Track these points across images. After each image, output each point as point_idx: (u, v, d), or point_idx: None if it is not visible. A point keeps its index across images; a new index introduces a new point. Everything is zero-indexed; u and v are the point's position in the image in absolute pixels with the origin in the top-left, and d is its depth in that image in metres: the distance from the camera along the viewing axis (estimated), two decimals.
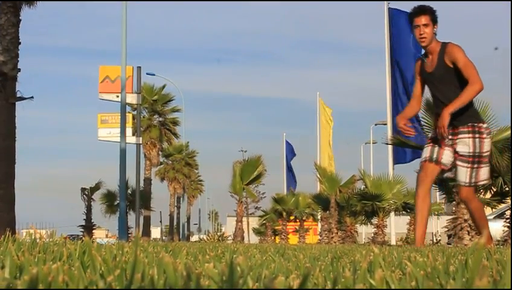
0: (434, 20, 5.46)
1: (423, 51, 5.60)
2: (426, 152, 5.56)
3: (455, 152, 5.41)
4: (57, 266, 1.51)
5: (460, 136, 5.34)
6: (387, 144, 15.65)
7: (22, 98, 18.69)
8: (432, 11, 5.45)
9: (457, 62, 5.28)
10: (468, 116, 5.34)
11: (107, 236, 40.77)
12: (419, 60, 5.63)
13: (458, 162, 5.38)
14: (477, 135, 5.30)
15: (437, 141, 5.50)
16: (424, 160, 5.57)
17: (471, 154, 5.31)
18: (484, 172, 5.38)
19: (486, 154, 5.37)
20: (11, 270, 1.46)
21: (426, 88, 5.71)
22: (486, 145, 5.35)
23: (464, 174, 5.35)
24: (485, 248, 4.86)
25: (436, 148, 5.49)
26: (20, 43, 18.41)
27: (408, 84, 16.77)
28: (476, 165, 5.32)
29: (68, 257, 2.03)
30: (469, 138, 5.31)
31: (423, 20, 5.39)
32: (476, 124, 5.35)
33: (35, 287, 0.92)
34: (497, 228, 16.20)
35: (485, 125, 5.47)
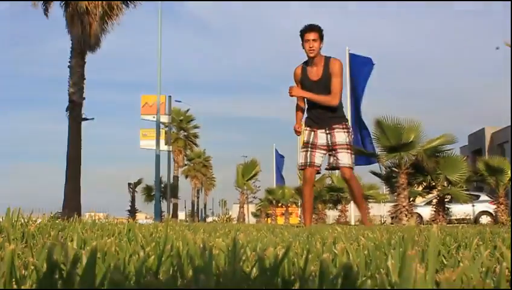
0: (321, 37, 4.96)
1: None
2: (302, 159, 5.10)
3: (333, 145, 4.95)
4: (111, 240, 1.51)
5: (337, 130, 4.95)
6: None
7: (85, 119, 18.70)
8: (320, 29, 4.98)
9: (333, 73, 4.90)
10: (342, 117, 5.02)
11: (146, 218, 40.58)
12: (300, 68, 5.05)
13: (340, 151, 4.94)
14: (349, 131, 5.01)
15: (308, 146, 5.06)
16: (302, 167, 5.11)
17: (348, 143, 4.97)
18: (352, 157, 5.03)
19: (351, 145, 5.06)
20: (78, 243, 1.46)
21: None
22: (351, 139, 5.07)
23: (347, 158, 4.95)
24: (368, 226, 4.69)
25: (309, 154, 5.04)
26: (85, 79, 18.44)
27: (359, 106, 16.80)
28: (351, 151, 5.01)
29: (118, 233, 2.02)
30: (344, 132, 4.96)
31: (312, 36, 4.90)
32: (346, 123, 5.05)
33: (94, 255, 0.92)
34: (426, 212, 16.19)
35: (349, 125, 5.17)
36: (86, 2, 17.61)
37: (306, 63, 5.06)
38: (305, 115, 5.23)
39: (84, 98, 18.48)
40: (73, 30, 17.92)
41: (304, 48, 4.95)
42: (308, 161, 5.05)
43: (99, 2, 17.88)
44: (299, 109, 5.16)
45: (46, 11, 18.31)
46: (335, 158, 5.00)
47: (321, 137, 5.05)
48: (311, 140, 5.07)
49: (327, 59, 4.99)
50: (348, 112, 17.59)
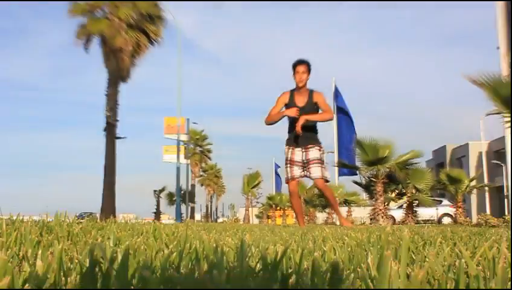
0: (309, 70, 4.98)
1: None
2: (285, 174, 5.09)
3: (307, 161, 4.92)
4: (140, 239, 1.50)
5: (311, 149, 4.95)
6: (334, 166, 15.77)
7: (119, 137, 18.77)
8: (309, 64, 4.98)
9: (319, 102, 4.94)
10: (316, 140, 5.01)
11: (168, 219, 40.39)
12: (288, 94, 5.01)
13: (312, 165, 4.90)
14: (321, 149, 5.00)
15: (287, 163, 5.03)
16: (286, 181, 5.10)
17: (320, 159, 4.95)
18: (324, 171, 4.99)
19: (323, 160, 5.05)
20: (113, 241, 1.46)
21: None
22: (323, 156, 5.08)
23: (318, 171, 4.90)
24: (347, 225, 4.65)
25: (289, 169, 5.03)
26: (118, 104, 18.58)
27: (343, 132, 16.82)
28: (322, 166, 4.96)
29: (146, 232, 2.01)
30: (317, 150, 4.96)
31: (302, 68, 4.92)
32: (320, 144, 5.04)
33: (128, 251, 0.92)
34: (398, 214, 16.05)
35: (322, 145, 5.14)
36: (120, 41, 17.88)
37: (292, 91, 5.06)
38: (287, 137, 5.15)
39: (118, 120, 18.59)
40: (109, 64, 18.20)
41: (294, 78, 4.99)
42: (289, 175, 5.06)
43: (130, 41, 18.14)
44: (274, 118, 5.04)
45: (86, 47, 18.57)
46: (308, 172, 4.98)
47: (297, 154, 5.05)
48: (289, 157, 5.08)
49: (311, 91, 5.03)
50: (334, 130, 17.68)
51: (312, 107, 4.95)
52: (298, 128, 4.82)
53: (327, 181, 5.07)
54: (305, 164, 5.00)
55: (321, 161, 5.00)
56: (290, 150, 5.08)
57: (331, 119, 5.01)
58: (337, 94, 17.34)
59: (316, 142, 5.04)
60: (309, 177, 4.98)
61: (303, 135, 4.94)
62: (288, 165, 5.06)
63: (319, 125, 5.13)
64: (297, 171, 5.02)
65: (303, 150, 5.01)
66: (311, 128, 5.03)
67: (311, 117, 4.89)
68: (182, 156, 26.70)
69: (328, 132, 18.15)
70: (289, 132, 5.11)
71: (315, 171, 4.93)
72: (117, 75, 18.30)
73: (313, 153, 4.97)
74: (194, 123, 39.41)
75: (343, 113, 16.87)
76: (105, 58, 18.41)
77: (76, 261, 0.90)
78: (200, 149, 47.26)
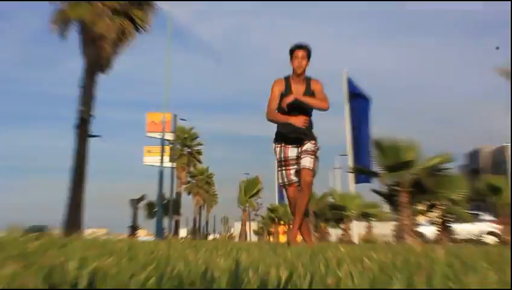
0: (309, 56, 5.06)
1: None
2: (279, 178, 5.08)
3: (301, 152, 4.99)
4: (111, 259, 1.48)
5: (307, 143, 4.99)
6: (349, 172, 15.78)
7: (93, 136, 18.82)
8: (309, 49, 5.06)
9: (316, 91, 5.04)
10: (312, 136, 5.04)
11: (147, 234, 40.37)
12: (282, 82, 5.09)
13: (304, 155, 4.95)
14: (316, 144, 5.05)
15: (281, 164, 5.06)
16: (283, 186, 5.09)
17: (314, 150, 4.99)
18: (316, 164, 5.01)
19: (316, 153, 5.04)
20: (78, 263, 1.43)
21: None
22: (316, 151, 5.05)
23: (308, 161, 4.91)
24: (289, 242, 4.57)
25: (285, 173, 5.05)
26: (94, 97, 18.66)
27: (359, 126, 16.81)
28: (315, 157, 4.98)
29: (119, 251, 1.99)
30: (312, 144, 4.99)
31: (301, 53, 5.00)
32: (315, 139, 5.09)
33: (95, 275, 0.89)
34: (429, 231, 16.06)
35: (318, 142, 5.16)
36: (102, 28, 18.16)
37: (287, 79, 5.13)
38: (276, 130, 5.21)
39: (92, 116, 18.76)
40: (87, 52, 18.48)
41: (292, 64, 5.06)
42: (286, 179, 5.03)
43: (113, 27, 18.42)
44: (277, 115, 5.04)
45: (62, 34, 18.85)
46: (299, 162, 4.98)
47: (292, 150, 5.07)
48: (282, 156, 5.08)
49: (308, 79, 5.11)
50: (346, 129, 17.69)
51: (310, 96, 5.02)
52: (288, 100, 4.85)
53: (314, 175, 5.07)
54: (298, 158, 5.02)
55: (314, 153, 5.05)
56: (282, 148, 5.10)
57: (325, 110, 5.05)
58: (352, 87, 17.36)
59: (312, 137, 5.11)
60: (298, 168, 4.97)
61: (297, 129, 4.97)
62: (284, 167, 5.06)
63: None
64: (293, 173, 5.01)
65: (297, 145, 5.05)
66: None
67: (305, 99, 4.94)
68: (166, 158, 26.73)
69: (339, 128, 18.16)
70: (282, 128, 5.11)
71: (305, 161, 4.94)
72: (96, 64, 18.52)
73: (308, 146, 5.03)
74: (182, 120, 39.40)
75: (360, 104, 16.85)
76: (83, 46, 18.69)
77: (31, 287, 0.88)
78: (189, 150, 47.33)
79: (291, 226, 5.14)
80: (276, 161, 5.20)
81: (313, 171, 4.98)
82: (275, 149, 5.20)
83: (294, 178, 5.00)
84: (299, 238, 5.22)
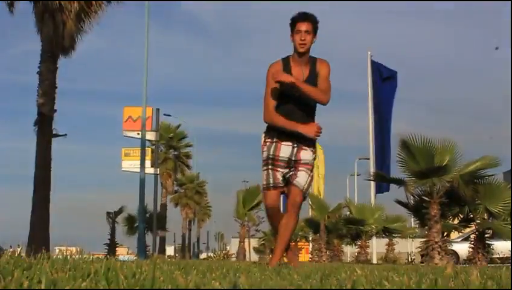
0: (315, 30, 4.80)
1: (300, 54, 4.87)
2: (264, 179, 4.92)
3: (297, 161, 4.83)
4: (86, 283, 1.51)
5: (304, 148, 4.83)
6: (369, 180, 15.69)
7: (57, 135, 18.76)
8: (315, 20, 4.80)
9: (321, 74, 4.82)
10: (311, 139, 4.85)
11: (127, 253, 40.41)
12: (280, 65, 4.87)
13: (301, 168, 4.80)
14: (314, 153, 4.91)
15: (268, 162, 4.86)
16: (265, 189, 4.92)
17: (312, 163, 4.86)
18: (310, 183, 4.91)
19: (313, 168, 4.96)
20: (46, 286, 1.46)
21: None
22: (313, 163, 4.94)
23: (304, 179, 4.79)
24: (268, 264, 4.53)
25: (271, 172, 4.85)
26: (56, 87, 18.48)
27: (383, 123, 16.79)
28: (310, 174, 4.87)
29: (95, 273, 2.01)
30: (311, 153, 4.85)
31: (305, 26, 4.71)
32: (315, 146, 4.95)
33: None
34: (463, 249, 16.08)
35: (315, 147, 5.04)
36: None
37: (286, 61, 4.90)
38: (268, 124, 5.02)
39: (55, 111, 18.49)
40: (44, 29, 17.90)
41: (292, 40, 4.80)
42: (271, 181, 4.86)
43: None
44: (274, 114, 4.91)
45: (11, 6, 18.32)
46: (293, 174, 4.82)
47: (284, 149, 4.87)
48: (271, 153, 4.87)
49: (314, 59, 4.90)
50: (370, 127, 17.67)
51: (315, 82, 4.82)
52: (282, 78, 4.69)
53: (304, 199, 4.97)
54: (292, 164, 4.86)
55: (311, 167, 4.92)
56: (274, 144, 4.89)
57: (323, 104, 4.89)
58: (378, 69, 17.30)
59: (313, 144, 4.97)
60: (289, 181, 4.83)
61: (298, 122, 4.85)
62: (271, 166, 4.87)
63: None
64: (281, 176, 4.86)
65: (294, 145, 4.86)
66: (309, 114, 4.92)
67: (302, 86, 4.74)
68: (148, 162, 26.76)
69: (364, 128, 18.12)
70: (291, 112, 4.95)
71: (302, 177, 4.81)
72: (55, 44, 18.13)
73: (307, 154, 4.88)
74: (167, 115, 39.51)
75: (384, 92, 16.80)
76: (38, 21, 18.28)
77: None
78: (175, 153, 47.34)
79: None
80: (262, 158, 4.99)
81: (306, 193, 4.90)
82: (264, 142, 4.99)
83: (281, 182, 4.86)
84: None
